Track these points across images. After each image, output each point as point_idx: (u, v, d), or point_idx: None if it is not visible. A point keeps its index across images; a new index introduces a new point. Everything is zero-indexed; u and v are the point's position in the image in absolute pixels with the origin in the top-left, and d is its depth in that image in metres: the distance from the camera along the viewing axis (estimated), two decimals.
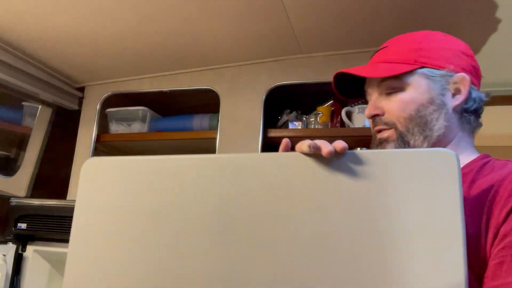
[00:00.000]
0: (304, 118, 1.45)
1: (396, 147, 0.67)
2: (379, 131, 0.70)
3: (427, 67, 0.67)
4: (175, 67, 1.50)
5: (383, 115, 0.69)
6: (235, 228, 0.53)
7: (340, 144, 0.50)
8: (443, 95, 0.66)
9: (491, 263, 0.52)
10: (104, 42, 1.30)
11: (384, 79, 0.69)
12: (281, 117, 1.49)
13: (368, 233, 0.49)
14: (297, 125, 1.42)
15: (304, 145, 0.51)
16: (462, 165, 0.65)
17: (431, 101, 0.66)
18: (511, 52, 1.29)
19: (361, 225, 0.50)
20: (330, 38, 1.26)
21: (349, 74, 0.70)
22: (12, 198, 1.31)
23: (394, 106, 0.68)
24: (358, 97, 0.79)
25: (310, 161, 0.54)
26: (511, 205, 0.52)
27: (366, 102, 0.76)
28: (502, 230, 0.52)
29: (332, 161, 0.52)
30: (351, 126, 1.37)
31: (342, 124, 1.42)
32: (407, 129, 0.67)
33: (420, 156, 0.50)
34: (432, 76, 0.67)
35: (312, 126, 1.41)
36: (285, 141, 0.58)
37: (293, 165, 0.54)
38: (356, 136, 1.32)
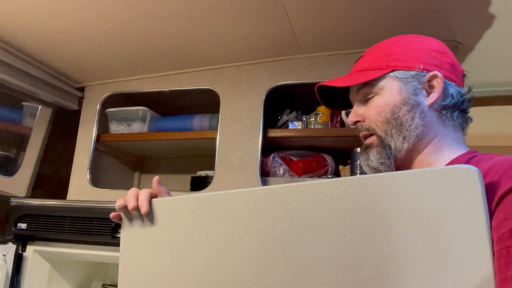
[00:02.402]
0: (304, 118, 1.45)
1: (378, 152, 0.70)
2: (364, 137, 0.74)
3: (398, 69, 0.69)
4: (175, 67, 1.50)
5: (364, 121, 0.72)
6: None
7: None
8: (416, 94, 0.68)
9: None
10: (104, 42, 1.30)
11: (360, 87, 0.72)
12: (281, 117, 1.49)
13: (399, 257, 0.50)
14: (297, 125, 1.42)
15: None
16: (448, 161, 0.67)
17: (403, 102, 0.68)
18: (511, 52, 1.29)
19: (392, 250, 0.50)
20: (330, 38, 1.26)
21: (332, 86, 0.74)
22: (12, 198, 1.31)
23: (371, 112, 0.71)
24: (347, 107, 0.82)
25: (332, 190, 0.55)
26: (498, 197, 0.52)
27: None
28: (494, 222, 0.51)
29: (357, 186, 0.53)
30: (351, 126, 1.37)
31: (342, 124, 1.42)
32: (386, 133, 0.69)
33: (442, 175, 0.50)
34: (404, 78, 0.69)
35: (312, 126, 1.41)
36: None
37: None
38: (356, 136, 1.30)
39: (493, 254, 0.49)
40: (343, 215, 0.53)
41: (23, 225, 1.26)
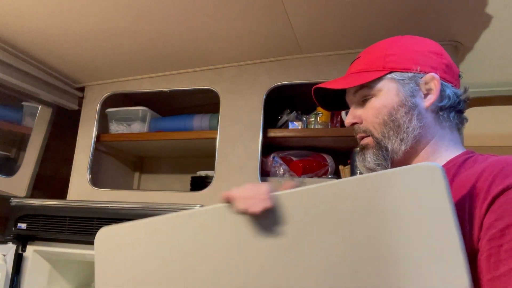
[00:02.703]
0: (304, 118, 1.45)
1: (375, 154, 0.70)
2: (361, 138, 0.74)
3: (395, 71, 0.69)
4: (175, 67, 1.50)
5: (361, 123, 0.72)
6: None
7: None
8: (413, 96, 0.68)
9: (481, 257, 0.52)
10: (104, 42, 1.30)
11: (357, 89, 0.72)
12: (281, 117, 1.49)
13: (372, 257, 0.51)
14: (297, 125, 1.42)
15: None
16: (445, 162, 0.67)
17: (401, 104, 0.68)
18: (511, 52, 1.29)
19: (364, 250, 0.51)
20: (330, 38, 1.26)
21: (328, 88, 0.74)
22: (12, 198, 1.31)
23: (369, 113, 0.71)
24: (343, 108, 0.82)
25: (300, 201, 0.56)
26: (492, 197, 0.52)
27: None
28: (486, 222, 0.52)
29: (324, 193, 0.55)
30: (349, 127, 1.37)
31: (342, 124, 1.42)
32: (383, 135, 0.69)
33: (407, 174, 0.52)
34: (401, 80, 0.68)
35: (312, 126, 1.41)
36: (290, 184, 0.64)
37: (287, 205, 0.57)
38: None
39: (465, 249, 0.50)
40: (321, 220, 0.54)
41: (23, 225, 1.26)
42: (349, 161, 1.38)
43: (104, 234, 0.64)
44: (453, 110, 0.70)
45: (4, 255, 1.23)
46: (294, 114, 1.47)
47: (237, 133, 1.39)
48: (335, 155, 1.47)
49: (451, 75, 0.71)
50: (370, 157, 0.70)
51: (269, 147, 1.44)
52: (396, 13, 1.08)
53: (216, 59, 1.43)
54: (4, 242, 1.25)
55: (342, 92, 0.77)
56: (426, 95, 0.68)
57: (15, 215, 1.27)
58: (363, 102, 0.72)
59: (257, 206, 0.55)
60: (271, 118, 1.46)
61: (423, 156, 0.69)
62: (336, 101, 0.81)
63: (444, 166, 0.65)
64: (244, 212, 0.56)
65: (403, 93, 0.68)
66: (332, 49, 1.33)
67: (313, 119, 1.41)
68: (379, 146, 0.70)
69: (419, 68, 0.68)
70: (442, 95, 0.68)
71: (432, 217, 0.49)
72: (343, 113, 1.38)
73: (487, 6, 1.03)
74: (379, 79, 0.69)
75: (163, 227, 0.61)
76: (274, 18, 1.13)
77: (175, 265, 0.59)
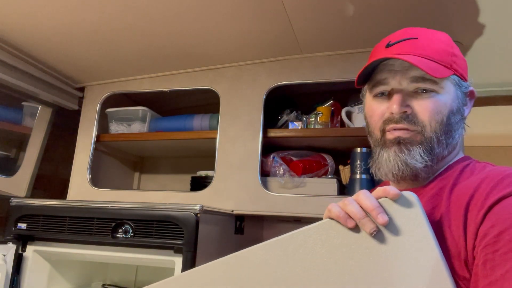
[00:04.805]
0: (304, 118, 1.45)
1: (426, 153, 0.63)
2: (398, 129, 0.65)
3: (457, 75, 0.66)
4: (175, 67, 1.50)
5: (410, 113, 0.64)
6: None
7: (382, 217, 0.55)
8: (463, 106, 0.68)
9: (478, 264, 0.52)
10: (104, 42, 1.30)
11: (420, 77, 0.64)
12: (281, 117, 1.49)
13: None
14: (297, 125, 1.42)
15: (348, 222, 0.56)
16: (446, 166, 0.67)
17: (458, 110, 0.66)
18: (511, 52, 1.29)
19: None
20: (330, 38, 1.26)
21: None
22: (12, 198, 1.31)
23: (428, 107, 0.63)
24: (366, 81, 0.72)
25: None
26: (488, 206, 0.53)
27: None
28: (481, 230, 0.52)
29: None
30: (351, 126, 1.37)
31: (342, 124, 1.42)
32: (436, 135, 0.63)
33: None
34: (460, 86, 0.67)
35: (312, 126, 1.41)
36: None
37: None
38: (356, 136, 1.32)
39: (461, 259, 0.53)
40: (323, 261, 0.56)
41: (23, 225, 1.26)
42: (349, 161, 1.38)
43: None
44: (465, 119, 0.71)
45: (4, 255, 1.23)
46: (294, 114, 1.47)
47: (237, 133, 1.39)
48: (335, 155, 1.47)
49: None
50: (419, 154, 0.63)
51: (269, 147, 1.44)
52: (395, 13, 1.08)
53: (216, 59, 1.42)
54: (4, 242, 1.25)
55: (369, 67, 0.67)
56: (464, 105, 0.69)
57: (15, 215, 1.27)
58: (415, 93, 0.65)
59: (383, 218, 0.54)
60: (271, 118, 1.46)
61: (444, 162, 0.68)
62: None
63: (444, 171, 0.66)
64: (372, 232, 0.54)
65: (459, 100, 0.67)
66: (332, 49, 1.33)
67: (313, 119, 1.41)
68: (429, 145, 0.63)
69: (471, 81, 0.68)
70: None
71: (413, 241, 0.53)
72: (343, 113, 1.38)
73: (487, 6, 1.03)
74: (447, 76, 0.65)
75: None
76: (274, 18, 1.13)
77: None
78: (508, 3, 1.02)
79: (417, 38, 0.66)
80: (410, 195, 0.55)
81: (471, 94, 0.70)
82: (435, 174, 0.66)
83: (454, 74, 0.65)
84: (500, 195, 0.53)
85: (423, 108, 0.64)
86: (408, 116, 0.64)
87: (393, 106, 0.64)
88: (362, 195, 0.56)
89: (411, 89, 0.65)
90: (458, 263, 0.54)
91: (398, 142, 0.64)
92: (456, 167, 0.65)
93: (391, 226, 0.54)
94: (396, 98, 0.64)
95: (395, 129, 0.65)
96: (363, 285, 0.53)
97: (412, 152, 0.63)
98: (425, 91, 0.64)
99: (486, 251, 0.50)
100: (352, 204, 0.55)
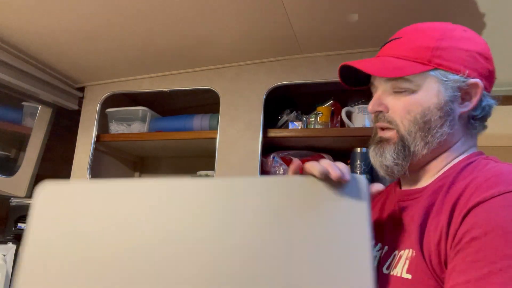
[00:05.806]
0: (304, 118, 1.45)
1: (396, 152, 0.64)
2: (382, 128, 0.67)
3: (441, 69, 0.62)
4: (175, 67, 1.50)
5: (387, 112, 0.66)
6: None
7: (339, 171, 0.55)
8: (452, 102, 0.62)
9: (448, 266, 0.51)
10: (104, 42, 1.30)
11: (393, 78, 0.64)
12: (281, 117, 1.49)
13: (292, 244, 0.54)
14: (297, 125, 1.42)
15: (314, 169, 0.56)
16: (449, 166, 0.65)
17: (438, 107, 0.62)
18: (511, 52, 1.29)
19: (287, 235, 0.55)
20: (330, 38, 1.26)
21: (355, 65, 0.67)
22: (12, 198, 1.31)
23: (399, 106, 0.64)
24: (363, 85, 0.74)
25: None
26: (468, 208, 0.51)
27: (366, 102, 0.75)
28: (459, 233, 0.51)
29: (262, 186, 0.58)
30: (351, 126, 1.37)
31: (342, 124, 1.42)
32: (409, 133, 0.63)
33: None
34: (445, 81, 0.62)
35: (312, 126, 1.41)
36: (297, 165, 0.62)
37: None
38: (356, 136, 1.32)
39: (440, 258, 0.52)
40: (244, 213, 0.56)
41: (23, 225, 1.26)
42: (349, 161, 1.38)
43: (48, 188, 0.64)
44: (484, 120, 0.66)
45: (4, 255, 1.23)
46: (294, 114, 1.47)
47: (237, 133, 1.39)
48: (335, 155, 1.47)
49: (490, 83, 0.66)
50: (390, 154, 0.65)
51: (269, 147, 1.44)
52: (395, 13, 1.08)
53: (216, 59, 1.43)
54: (4, 242, 1.25)
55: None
56: (463, 101, 0.63)
57: (15, 215, 1.27)
58: (394, 92, 0.65)
59: (347, 175, 0.54)
60: (271, 118, 1.46)
61: (439, 161, 0.65)
62: (356, 76, 0.72)
63: (447, 170, 0.63)
64: (338, 179, 0.54)
65: (444, 97, 0.62)
66: (332, 49, 1.33)
67: (313, 119, 1.41)
68: (402, 143, 0.64)
69: (467, 72, 0.62)
70: (478, 104, 0.63)
71: (350, 223, 0.54)
72: (343, 113, 1.38)
73: (487, 6, 1.03)
74: (422, 73, 0.62)
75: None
76: (274, 18, 1.13)
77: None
78: (508, 3, 1.02)
79: (400, 38, 0.66)
80: (361, 178, 0.56)
81: (472, 87, 0.62)
82: (438, 173, 0.65)
83: (436, 68, 0.62)
84: (480, 198, 0.51)
85: (395, 107, 0.65)
86: (384, 116, 0.66)
87: (369, 105, 0.68)
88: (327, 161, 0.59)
89: (390, 89, 0.66)
90: (439, 266, 0.53)
91: (379, 141, 0.67)
92: (459, 165, 0.62)
93: (343, 197, 0.55)
94: (373, 97, 0.68)
95: (380, 128, 0.68)
96: (306, 242, 0.54)
97: (385, 151, 0.66)
98: (400, 90, 0.64)
99: (458, 255, 0.50)
100: (329, 162, 0.58)
